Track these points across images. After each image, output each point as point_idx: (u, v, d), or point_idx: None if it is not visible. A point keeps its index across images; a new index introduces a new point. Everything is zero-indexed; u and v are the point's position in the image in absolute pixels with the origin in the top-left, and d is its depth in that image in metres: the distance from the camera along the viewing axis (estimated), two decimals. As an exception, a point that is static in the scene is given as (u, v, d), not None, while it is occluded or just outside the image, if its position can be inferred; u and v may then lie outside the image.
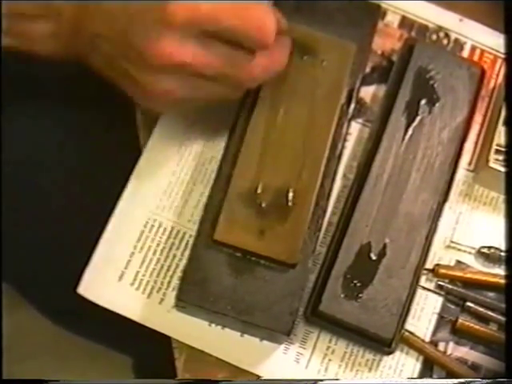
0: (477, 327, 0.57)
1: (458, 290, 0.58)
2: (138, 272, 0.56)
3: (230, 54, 0.46)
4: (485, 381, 0.55)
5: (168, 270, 0.56)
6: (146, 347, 0.77)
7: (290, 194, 0.53)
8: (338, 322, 0.53)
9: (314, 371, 0.55)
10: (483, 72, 0.60)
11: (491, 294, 0.58)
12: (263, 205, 0.52)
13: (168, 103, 0.49)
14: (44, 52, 0.47)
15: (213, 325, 0.55)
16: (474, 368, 0.57)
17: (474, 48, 0.64)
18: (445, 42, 0.64)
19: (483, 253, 0.59)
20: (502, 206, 0.60)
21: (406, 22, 0.64)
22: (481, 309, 0.57)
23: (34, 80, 0.62)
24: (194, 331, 0.55)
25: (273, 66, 0.50)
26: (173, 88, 0.47)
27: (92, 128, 0.65)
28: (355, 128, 0.60)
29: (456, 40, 0.64)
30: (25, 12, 0.45)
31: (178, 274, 0.56)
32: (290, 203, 0.53)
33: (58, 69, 0.54)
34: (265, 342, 0.55)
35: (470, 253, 0.59)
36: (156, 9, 0.43)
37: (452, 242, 0.59)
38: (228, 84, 0.49)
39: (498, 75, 0.64)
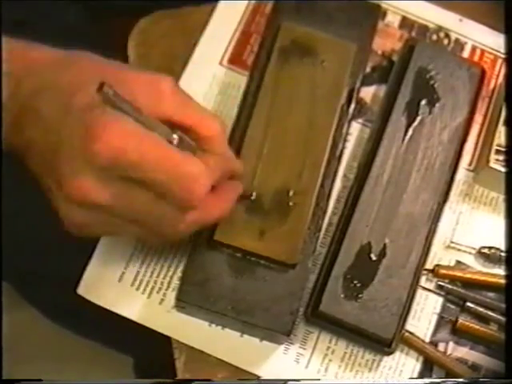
0: (477, 327, 0.57)
1: (458, 290, 0.58)
2: (138, 272, 0.56)
3: (153, 204, 0.42)
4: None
5: (168, 270, 0.56)
6: (146, 347, 0.77)
7: (290, 195, 0.53)
8: (338, 322, 0.53)
9: (313, 371, 0.55)
10: (483, 72, 0.60)
11: (491, 294, 0.58)
12: (263, 205, 0.52)
13: (84, 233, 0.46)
14: None
15: (213, 325, 0.55)
16: (474, 368, 0.57)
17: (474, 48, 0.64)
18: (445, 42, 0.64)
19: (483, 253, 0.59)
20: (501, 206, 0.60)
21: (406, 23, 0.64)
22: (481, 309, 0.57)
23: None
24: (194, 331, 0.55)
25: (205, 220, 0.46)
26: (88, 223, 0.43)
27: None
28: (355, 128, 0.60)
29: (456, 40, 0.64)
30: None
31: (178, 274, 0.56)
32: (290, 203, 0.53)
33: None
34: (265, 342, 0.55)
35: (470, 253, 0.59)
36: (84, 141, 0.40)
37: (452, 242, 0.59)
38: (149, 231, 0.45)
39: (498, 75, 0.64)
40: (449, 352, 0.57)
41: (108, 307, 0.54)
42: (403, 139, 0.57)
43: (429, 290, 0.58)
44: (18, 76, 0.43)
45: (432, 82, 0.58)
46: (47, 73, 0.43)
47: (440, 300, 0.58)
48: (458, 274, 0.58)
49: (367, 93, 0.61)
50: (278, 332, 0.52)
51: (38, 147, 0.43)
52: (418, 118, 0.58)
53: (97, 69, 0.43)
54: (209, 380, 0.55)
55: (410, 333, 0.56)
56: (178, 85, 0.44)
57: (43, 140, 0.42)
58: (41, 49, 0.44)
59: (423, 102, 0.58)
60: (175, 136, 0.42)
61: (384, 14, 0.63)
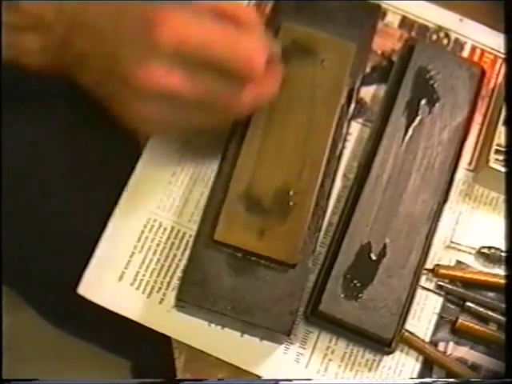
0: (477, 327, 0.57)
1: (458, 290, 0.58)
2: (138, 272, 0.56)
3: (217, 83, 0.45)
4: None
5: (168, 270, 0.56)
6: (146, 347, 0.77)
7: (290, 194, 0.53)
8: (337, 322, 0.53)
9: (313, 371, 0.55)
10: (483, 72, 0.60)
11: (491, 294, 0.58)
12: (263, 205, 0.52)
13: (154, 127, 0.48)
14: (32, 65, 0.47)
15: (213, 325, 0.55)
16: (474, 368, 0.57)
17: (474, 48, 0.64)
18: (445, 42, 0.64)
19: (483, 253, 0.59)
20: (502, 206, 0.60)
21: (406, 22, 0.64)
22: (481, 309, 0.57)
23: (34, 80, 0.62)
24: (194, 331, 0.55)
25: (261, 97, 0.49)
26: (158, 113, 0.46)
27: (92, 129, 0.65)
28: (355, 128, 0.60)
29: (456, 40, 0.64)
30: (15, 24, 0.44)
31: (178, 274, 0.56)
32: (290, 203, 0.53)
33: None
34: (265, 342, 0.55)
35: (470, 253, 0.59)
36: (146, 33, 0.43)
37: (452, 242, 0.59)
38: (215, 113, 0.48)
39: (498, 75, 0.64)
40: (449, 352, 0.57)
41: (108, 307, 0.54)
42: (403, 139, 0.57)
43: (429, 290, 0.58)
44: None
45: (432, 82, 0.58)
46: None
47: (440, 300, 0.58)
48: (458, 273, 0.58)
49: (367, 93, 0.61)
50: (278, 332, 0.52)
51: (94, 57, 0.45)
52: (418, 118, 0.58)
53: None
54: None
55: (410, 333, 0.56)
56: None
57: (99, 48, 0.44)
58: None
59: (423, 102, 0.58)
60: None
61: (384, 14, 0.63)
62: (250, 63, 0.45)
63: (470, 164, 0.61)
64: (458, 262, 0.59)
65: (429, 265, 0.57)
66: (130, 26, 0.43)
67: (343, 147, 0.57)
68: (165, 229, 0.56)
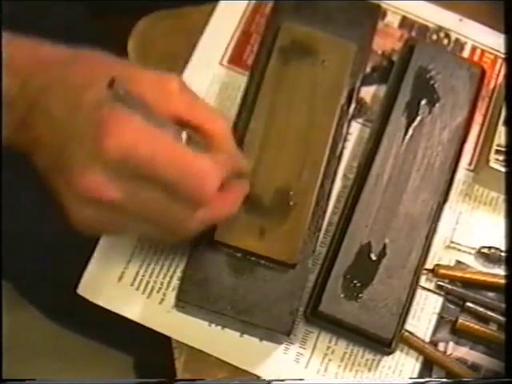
0: (477, 327, 0.57)
1: (458, 290, 0.58)
2: (137, 272, 0.56)
3: (164, 201, 0.42)
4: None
5: (168, 270, 0.56)
6: (146, 347, 0.77)
7: (291, 194, 0.53)
8: (337, 322, 0.53)
9: (313, 371, 0.55)
10: (483, 72, 0.60)
11: (491, 294, 0.58)
12: (263, 205, 0.52)
13: (92, 232, 0.46)
14: None
15: (213, 325, 0.55)
16: (474, 368, 0.57)
17: (474, 48, 0.64)
18: (445, 42, 0.64)
19: (483, 253, 0.59)
20: (502, 206, 0.60)
21: (406, 22, 0.64)
22: (481, 309, 0.57)
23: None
24: (194, 331, 0.55)
25: (214, 218, 0.46)
26: (97, 220, 0.43)
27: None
28: (355, 128, 0.60)
29: (456, 40, 0.64)
30: None
31: (178, 274, 0.56)
32: (290, 203, 0.53)
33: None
34: (265, 342, 0.55)
35: (469, 253, 0.59)
36: (95, 137, 0.40)
37: (452, 242, 0.59)
38: (160, 229, 0.45)
39: (498, 75, 0.64)
40: (449, 352, 0.57)
41: (108, 307, 0.54)
42: (403, 139, 0.57)
43: (429, 290, 0.58)
44: (27, 73, 0.43)
45: (432, 82, 0.58)
46: (56, 70, 0.43)
47: (440, 300, 0.58)
48: (458, 273, 0.58)
49: (367, 93, 0.61)
50: (278, 332, 0.52)
51: (45, 145, 0.43)
52: (418, 118, 0.58)
53: (106, 66, 0.43)
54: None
55: (410, 333, 0.56)
56: (185, 84, 0.44)
57: (51, 138, 0.42)
58: (49, 46, 0.44)
59: (423, 102, 0.58)
60: (184, 134, 0.43)
61: (384, 14, 0.63)
62: (200, 189, 0.42)
63: (470, 164, 0.61)
64: (458, 262, 0.59)
65: (429, 265, 0.57)
66: (83, 123, 0.41)
67: (343, 147, 0.57)
68: (165, 229, 0.56)
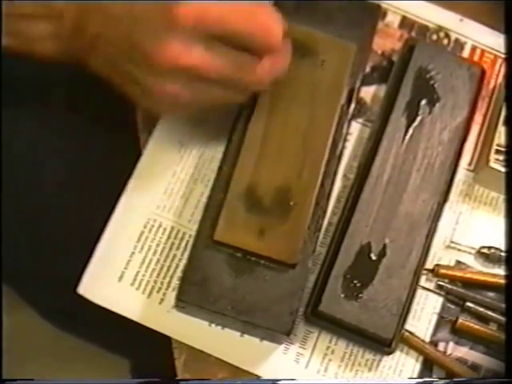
0: (477, 327, 0.57)
1: (458, 290, 0.58)
2: (138, 272, 0.56)
3: (236, 57, 0.46)
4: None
5: (168, 270, 0.56)
6: (146, 347, 0.77)
7: (291, 194, 0.53)
8: (337, 322, 0.53)
9: (313, 371, 0.55)
10: (483, 72, 0.60)
11: (491, 294, 0.58)
12: (263, 205, 0.52)
13: (173, 106, 0.48)
14: (44, 53, 0.47)
15: (213, 325, 0.55)
16: (474, 368, 0.57)
17: (474, 48, 0.64)
18: (445, 42, 0.64)
19: (483, 253, 0.59)
20: (502, 206, 0.60)
21: (406, 22, 0.64)
22: (481, 309, 0.57)
23: (34, 81, 0.62)
24: (193, 331, 0.55)
25: (277, 69, 0.49)
26: (179, 91, 0.46)
27: (92, 128, 0.65)
28: (355, 128, 0.60)
29: (456, 40, 0.64)
30: (25, 12, 0.45)
31: (178, 274, 0.56)
32: (290, 203, 0.53)
33: (58, 70, 0.54)
34: (265, 342, 0.55)
35: (469, 253, 0.59)
36: (162, 10, 0.43)
37: (452, 242, 0.59)
38: (234, 87, 0.48)
39: (498, 75, 0.64)
40: (449, 352, 0.57)
41: (108, 307, 0.54)
42: (403, 139, 0.57)
43: (429, 290, 0.58)
44: None
45: (432, 82, 0.58)
46: None
47: (440, 300, 0.58)
48: (458, 273, 0.58)
49: (367, 93, 0.61)
50: (278, 332, 0.52)
51: (107, 40, 0.44)
52: (418, 118, 0.58)
53: None
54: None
55: (410, 333, 0.56)
56: None
57: (113, 30, 0.44)
58: None
59: (423, 102, 0.58)
60: None
61: (384, 14, 0.63)
62: (270, 35, 0.46)
63: (470, 164, 0.61)
64: (458, 262, 0.59)
65: (429, 265, 0.57)
66: (144, 5, 0.43)
67: (343, 147, 0.57)
68: (165, 229, 0.56)
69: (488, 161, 0.59)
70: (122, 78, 0.46)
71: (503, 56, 0.64)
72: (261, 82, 0.49)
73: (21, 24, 0.45)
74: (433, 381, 0.56)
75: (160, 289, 0.55)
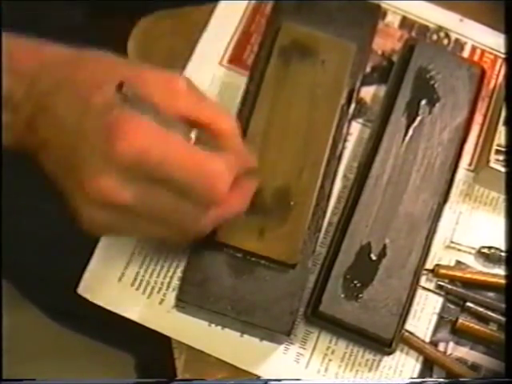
0: (477, 327, 0.57)
1: (458, 290, 0.58)
2: (137, 272, 0.56)
3: (176, 202, 0.42)
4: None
5: (168, 270, 0.56)
6: (146, 347, 0.78)
7: (291, 194, 0.53)
8: (338, 322, 0.53)
9: (313, 371, 0.55)
10: (483, 72, 0.60)
11: (491, 294, 0.58)
12: (263, 205, 0.52)
13: (104, 234, 0.46)
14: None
15: (213, 325, 0.55)
16: (474, 368, 0.57)
17: (474, 48, 0.64)
18: (445, 42, 0.64)
19: (483, 253, 0.59)
20: (502, 206, 0.60)
21: (406, 23, 0.64)
22: (481, 309, 0.57)
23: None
24: (194, 331, 0.55)
25: (225, 216, 0.47)
26: (109, 223, 0.43)
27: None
28: (355, 128, 0.60)
29: (456, 40, 0.64)
30: None
31: (178, 274, 0.56)
32: (290, 203, 0.53)
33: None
34: (265, 342, 0.55)
35: (470, 253, 0.59)
36: (105, 140, 0.40)
37: (452, 242, 0.59)
38: (171, 230, 0.45)
39: (498, 75, 0.64)
40: (449, 352, 0.57)
41: (108, 307, 0.54)
42: (403, 139, 0.57)
43: (429, 290, 0.58)
44: (31, 75, 0.43)
45: (432, 82, 0.58)
46: (62, 71, 0.43)
47: (440, 300, 0.58)
48: (458, 274, 0.58)
49: (367, 93, 0.61)
50: (278, 332, 0.52)
51: (54, 148, 0.42)
52: (418, 118, 0.58)
53: (112, 67, 0.43)
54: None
55: (410, 333, 0.56)
56: (192, 83, 0.44)
57: (60, 140, 0.42)
58: (54, 47, 0.44)
59: (423, 102, 0.58)
60: (193, 134, 0.43)
61: (384, 14, 0.63)
62: (213, 190, 0.42)
63: (470, 164, 0.61)
64: (458, 262, 0.59)
65: (429, 265, 0.57)
66: (92, 126, 0.41)
67: (343, 147, 0.57)
68: (165, 229, 0.56)
69: (488, 161, 0.59)
70: (62, 189, 0.44)
71: (503, 56, 0.64)
72: (203, 230, 0.46)
73: None
74: (433, 381, 0.56)
75: (160, 289, 0.55)
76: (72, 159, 0.41)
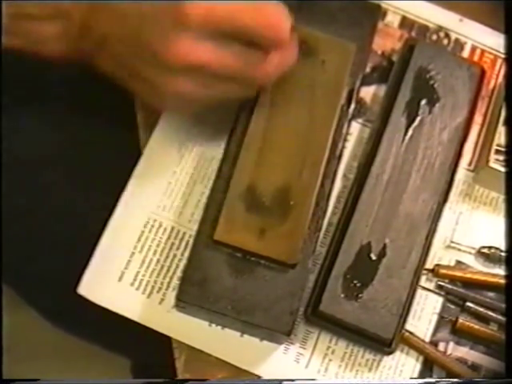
0: (477, 327, 0.57)
1: (458, 290, 0.58)
2: (138, 272, 0.56)
3: (245, 53, 0.46)
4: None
5: (168, 270, 0.56)
6: (146, 347, 0.77)
7: (290, 194, 0.53)
8: (338, 322, 0.53)
9: (314, 371, 0.55)
10: (483, 72, 0.60)
11: (491, 294, 0.58)
12: (263, 205, 0.52)
13: (182, 102, 0.49)
14: (51, 53, 0.47)
15: (213, 325, 0.55)
16: (474, 368, 0.57)
17: (474, 48, 0.64)
18: (445, 42, 0.64)
19: (483, 253, 0.59)
20: (502, 206, 0.60)
21: (406, 22, 0.64)
22: (481, 309, 0.57)
23: (35, 80, 0.62)
24: (194, 331, 0.55)
25: (285, 63, 0.50)
26: (188, 88, 0.46)
27: (92, 128, 0.65)
28: (355, 128, 0.60)
29: (456, 40, 0.64)
30: (32, 13, 0.45)
31: (178, 274, 0.56)
32: (290, 203, 0.53)
33: (59, 69, 0.53)
34: (265, 342, 0.55)
35: (470, 253, 0.59)
36: (170, 9, 0.43)
37: (452, 242, 0.59)
38: (243, 83, 0.48)
39: (498, 75, 0.64)
40: (449, 352, 0.57)
41: (108, 307, 0.54)
42: (403, 139, 0.57)
43: (429, 290, 0.58)
44: None
45: (432, 82, 0.58)
46: None
47: (440, 300, 0.58)
48: (458, 273, 0.58)
49: (367, 93, 0.61)
50: (278, 332, 0.52)
51: (115, 40, 0.45)
52: (418, 118, 0.58)
53: None
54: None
55: (410, 333, 0.56)
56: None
57: (121, 28, 0.44)
58: None
59: (423, 102, 0.58)
60: None
61: (384, 14, 0.63)
62: (278, 31, 0.46)
63: (470, 164, 0.61)
64: (458, 262, 0.59)
65: (429, 265, 0.57)
66: (152, 4, 0.43)
67: (343, 147, 0.57)
68: (165, 229, 0.56)
69: (488, 161, 0.59)
70: (131, 77, 0.47)
71: (503, 56, 0.64)
72: (269, 77, 0.49)
73: (27, 24, 0.45)
74: (433, 381, 0.56)
75: (160, 289, 0.55)
76: (138, 41, 0.44)
